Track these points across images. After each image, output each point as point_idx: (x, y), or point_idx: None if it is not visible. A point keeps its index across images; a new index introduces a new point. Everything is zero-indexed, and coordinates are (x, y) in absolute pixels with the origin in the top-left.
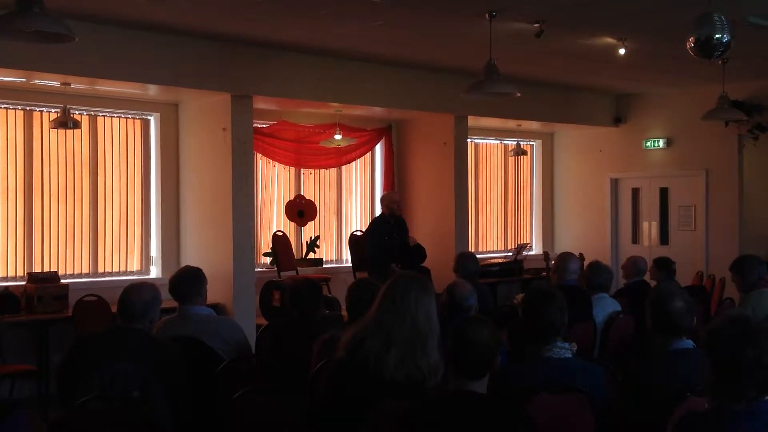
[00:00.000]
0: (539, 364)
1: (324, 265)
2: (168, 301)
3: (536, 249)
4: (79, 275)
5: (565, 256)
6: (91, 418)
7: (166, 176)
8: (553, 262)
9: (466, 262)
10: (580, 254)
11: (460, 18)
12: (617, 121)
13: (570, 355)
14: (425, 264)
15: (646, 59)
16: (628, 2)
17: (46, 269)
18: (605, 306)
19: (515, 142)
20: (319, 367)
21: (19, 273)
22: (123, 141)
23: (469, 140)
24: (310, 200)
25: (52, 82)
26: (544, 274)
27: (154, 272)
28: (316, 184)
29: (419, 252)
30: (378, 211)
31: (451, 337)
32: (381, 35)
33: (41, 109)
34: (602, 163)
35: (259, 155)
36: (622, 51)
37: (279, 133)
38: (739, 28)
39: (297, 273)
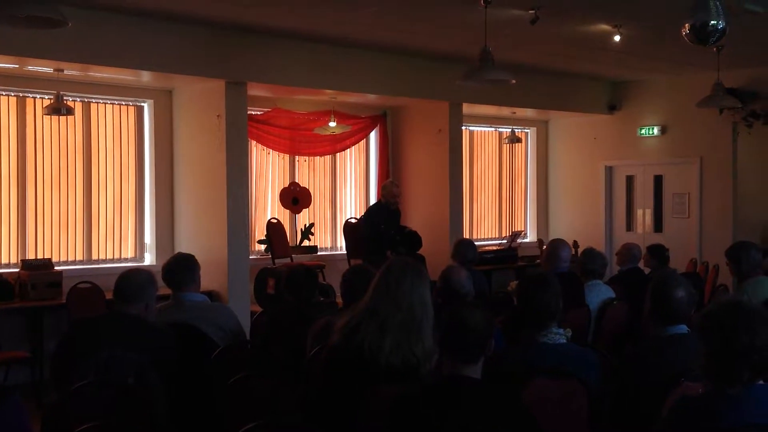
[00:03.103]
0: (534, 349)
1: (318, 253)
2: (162, 288)
3: (531, 236)
4: (73, 262)
5: (556, 244)
6: (86, 404)
7: (160, 163)
8: (545, 247)
9: (464, 249)
10: (575, 241)
11: (455, 4)
12: (612, 108)
13: (564, 341)
14: (420, 251)
15: (642, 46)
16: None
17: (39, 256)
18: (599, 293)
19: (510, 130)
20: (314, 353)
21: (13, 260)
22: (117, 128)
23: (463, 127)
24: (304, 187)
25: (45, 68)
26: (539, 261)
27: (149, 259)
28: (311, 172)
29: (414, 239)
30: (373, 199)
31: (444, 321)
32: (376, 22)
33: (34, 95)
34: (596, 151)
35: (254, 142)
36: (617, 38)
37: (273, 120)
38: (735, 14)
39: (292, 260)
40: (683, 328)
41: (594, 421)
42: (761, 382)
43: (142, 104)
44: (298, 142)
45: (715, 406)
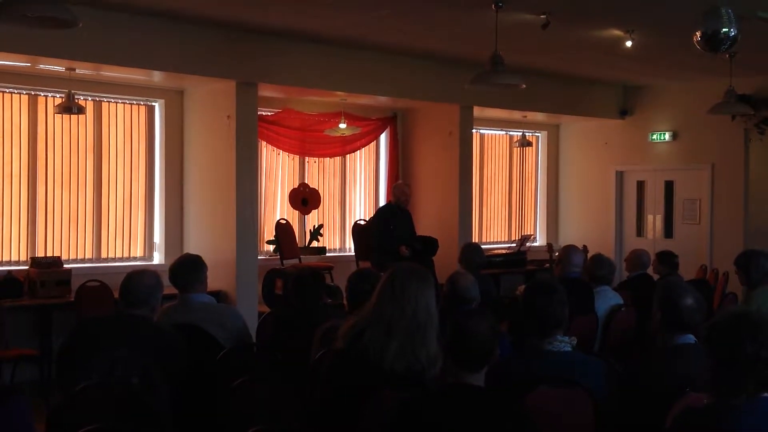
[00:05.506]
0: (538, 357)
1: (327, 254)
2: (168, 288)
3: (540, 240)
4: (82, 260)
5: (569, 249)
6: (91, 404)
7: (171, 163)
8: (557, 254)
9: (471, 253)
10: (584, 246)
11: (467, 8)
12: (623, 113)
13: (569, 349)
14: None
15: (653, 52)
16: None
17: (49, 254)
18: (607, 299)
19: (521, 133)
20: (319, 356)
21: (22, 258)
22: (128, 127)
23: (474, 131)
24: (314, 188)
25: (56, 67)
26: (548, 265)
27: (157, 258)
28: (321, 173)
29: (431, 245)
30: (383, 201)
31: (450, 329)
32: (387, 24)
33: (46, 94)
34: (607, 156)
35: (264, 143)
36: (629, 43)
37: (284, 121)
38: (747, 22)
39: (300, 261)
40: (690, 338)
41: (599, 431)
42: (766, 394)
43: (153, 104)
44: (308, 143)
45: (718, 417)
